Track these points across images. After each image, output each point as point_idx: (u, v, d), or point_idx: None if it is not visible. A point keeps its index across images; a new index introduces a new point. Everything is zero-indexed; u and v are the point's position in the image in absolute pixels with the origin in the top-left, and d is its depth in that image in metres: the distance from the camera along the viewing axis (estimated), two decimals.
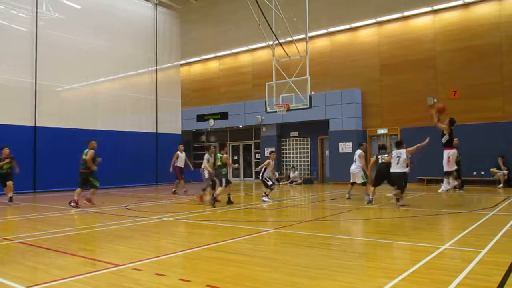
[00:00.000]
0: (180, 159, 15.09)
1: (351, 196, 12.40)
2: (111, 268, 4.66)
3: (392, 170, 10.33)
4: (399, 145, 10.55)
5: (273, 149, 21.25)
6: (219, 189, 11.12)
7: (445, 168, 10.23)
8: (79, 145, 17.62)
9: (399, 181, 10.23)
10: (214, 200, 10.86)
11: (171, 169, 15.25)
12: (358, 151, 12.24)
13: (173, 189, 15.03)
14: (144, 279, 4.22)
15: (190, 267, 4.88)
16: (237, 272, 4.47)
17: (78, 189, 11.15)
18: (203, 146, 26.71)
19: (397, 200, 10.34)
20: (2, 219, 8.98)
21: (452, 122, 10.47)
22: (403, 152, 10.24)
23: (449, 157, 10.14)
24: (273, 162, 12.41)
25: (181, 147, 15.82)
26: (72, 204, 10.87)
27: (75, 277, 4.29)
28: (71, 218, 9.12)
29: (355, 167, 12.11)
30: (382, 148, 11.50)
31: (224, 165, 11.34)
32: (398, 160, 10.21)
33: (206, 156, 12.28)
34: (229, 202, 11.29)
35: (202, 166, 12.30)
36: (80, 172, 11.20)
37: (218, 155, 11.49)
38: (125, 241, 6.28)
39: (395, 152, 10.41)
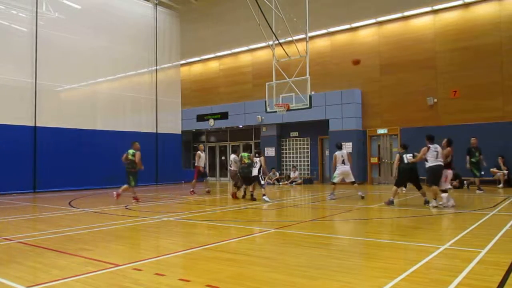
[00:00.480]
0: (202, 158, 15.32)
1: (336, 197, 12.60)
2: (111, 268, 4.66)
3: (431, 164, 10.05)
4: (431, 139, 10.38)
5: (273, 148, 21.37)
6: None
7: (442, 186, 10.03)
8: (79, 145, 17.89)
9: (437, 176, 10.01)
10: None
11: (202, 169, 15.39)
12: (345, 151, 12.69)
13: (207, 189, 15.04)
14: (144, 279, 4.22)
15: (190, 267, 4.88)
16: (237, 272, 4.47)
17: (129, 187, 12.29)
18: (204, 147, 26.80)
19: (426, 201, 10.29)
20: (2, 219, 8.99)
21: (450, 142, 10.37)
22: (438, 146, 10.23)
23: (447, 177, 10.07)
24: None
25: (202, 146, 16.10)
26: (133, 201, 12.15)
27: (75, 277, 4.29)
28: (71, 218, 9.12)
29: (348, 168, 12.48)
30: (405, 148, 11.23)
31: (252, 164, 12.40)
32: (437, 155, 10.13)
33: (234, 157, 13.35)
34: (252, 198, 12.24)
35: (233, 168, 13.38)
36: (126, 170, 12.23)
37: (245, 154, 12.61)
38: (125, 241, 6.28)
39: (432, 146, 10.23)
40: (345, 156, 12.50)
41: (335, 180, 12.57)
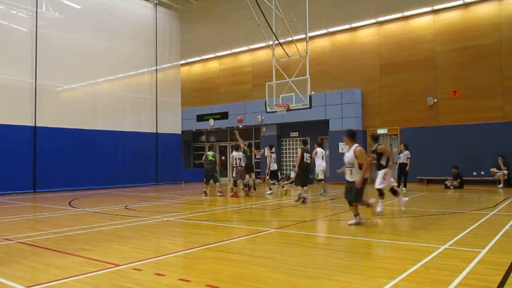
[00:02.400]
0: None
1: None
2: (111, 268, 4.66)
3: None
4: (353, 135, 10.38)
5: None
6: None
7: (382, 185, 9.04)
8: (79, 145, 17.89)
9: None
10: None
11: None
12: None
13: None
14: (144, 279, 4.22)
15: (190, 267, 4.88)
16: (237, 272, 4.47)
17: (205, 184, 14.07)
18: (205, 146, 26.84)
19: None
20: (2, 219, 8.98)
21: (375, 138, 9.60)
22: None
23: (385, 175, 9.06)
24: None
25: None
26: (203, 195, 13.77)
27: (75, 277, 4.29)
28: (71, 218, 9.12)
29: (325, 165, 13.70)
30: (306, 143, 12.21)
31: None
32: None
33: (239, 154, 14.12)
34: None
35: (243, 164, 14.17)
36: (205, 170, 14.03)
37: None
38: (125, 241, 6.28)
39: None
40: (324, 153, 13.59)
41: (322, 177, 13.21)
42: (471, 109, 16.97)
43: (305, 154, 11.17)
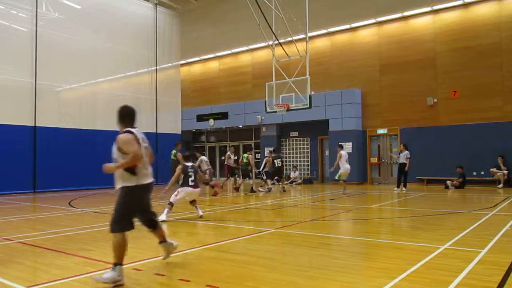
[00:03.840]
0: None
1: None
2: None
3: None
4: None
5: (271, 148, 21.30)
6: None
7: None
8: (79, 145, 17.88)
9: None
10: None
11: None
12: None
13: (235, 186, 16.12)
14: (144, 279, 4.22)
15: (190, 267, 4.87)
16: (237, 272, 4.47)
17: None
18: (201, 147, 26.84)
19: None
20: (2, 219, 8.98)
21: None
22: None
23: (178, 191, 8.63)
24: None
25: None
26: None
27: (75, 277, 4.29)
28: (71, 218, 9.12)
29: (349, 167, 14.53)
30: (275, 151, 15.47)
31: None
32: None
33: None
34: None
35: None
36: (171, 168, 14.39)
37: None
38: None
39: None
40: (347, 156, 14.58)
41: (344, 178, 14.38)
42: (471, 109, 16.96)
43: (275, 160, 14.84)
